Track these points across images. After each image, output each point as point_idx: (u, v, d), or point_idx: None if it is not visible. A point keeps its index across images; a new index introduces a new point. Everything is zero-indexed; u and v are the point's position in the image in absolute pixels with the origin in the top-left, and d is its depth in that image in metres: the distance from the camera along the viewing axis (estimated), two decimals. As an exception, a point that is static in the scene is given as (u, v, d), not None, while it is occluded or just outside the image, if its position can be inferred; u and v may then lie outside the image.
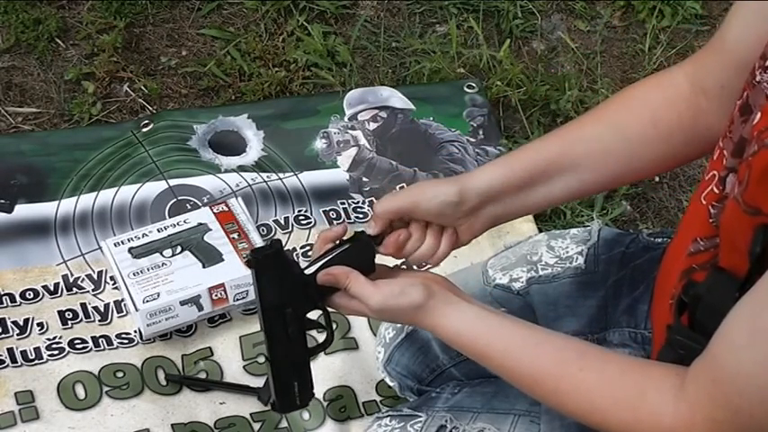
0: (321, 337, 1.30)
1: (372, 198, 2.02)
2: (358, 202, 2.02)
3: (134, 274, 1.82)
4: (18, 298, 1.85)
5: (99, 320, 1.83)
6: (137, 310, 1.77)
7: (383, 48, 2.28)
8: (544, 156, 1.30)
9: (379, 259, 1.27)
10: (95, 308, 1.84)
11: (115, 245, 1.87)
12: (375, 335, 1.76)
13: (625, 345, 1.37)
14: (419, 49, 2.28)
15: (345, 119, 2.14)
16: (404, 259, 1.30)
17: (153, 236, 1.88)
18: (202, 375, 1.78)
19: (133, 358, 1.79)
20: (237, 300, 1.81)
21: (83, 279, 1.88)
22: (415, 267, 1.64)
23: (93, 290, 1.87)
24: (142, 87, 2.19)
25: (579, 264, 1.46)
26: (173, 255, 1.85)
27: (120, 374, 1.77)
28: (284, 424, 1.72)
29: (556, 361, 1.16)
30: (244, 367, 1.79)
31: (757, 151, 1.00)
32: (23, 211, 1.96)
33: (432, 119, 2.16)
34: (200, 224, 1.90)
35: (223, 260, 1.84)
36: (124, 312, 1.83)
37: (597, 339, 1.39)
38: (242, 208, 1.93)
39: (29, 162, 2.03)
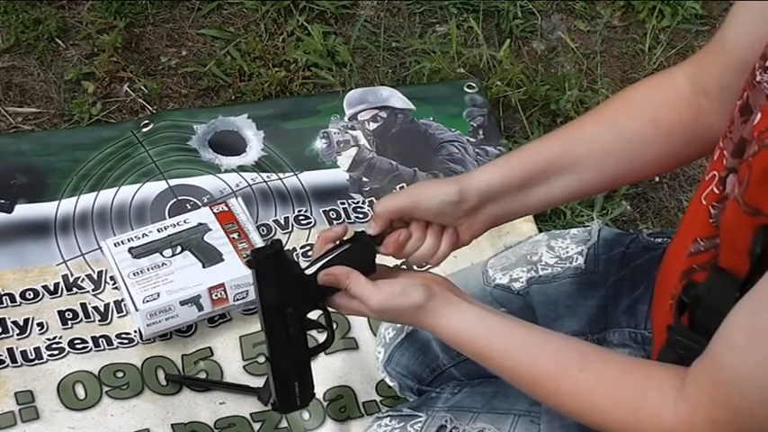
0: (321, 337, 1.30)
1: (372, 198, 2.02)
2: (358, 202, 2.02)
3: (134, 274, 1.82)
4: (18, 298, 1.84)
5: (99, 320, 1.83)
6: (137, 310, 1.77)
7: (383, 48, 2.28)
8: (544, 156, 1.30)
9: (380, 259, 1.27)
10: (95, 308, 1.84)
11: (115, 245, 1.87)
12: (375, 335, 1.76)
13: (625, 345, 1.37)
14: (419, 49, 2.27)
15: (345, 119, 2.14)
16: (404, 259, 1.30)
17: (153, 236, 1.88)
18: (202, 375, 1.78)
19: (133, 358, 1.79)
20: (237, 300, 1.81)
21: (83, 279, 1.88)
22: (415, 267, 1.64)
23: (93, 290, 1.87)
24: (142, 87, 2.18)
25: (579, 264, 1.46)
26: (173, 255, 1.85)
27: (120, 374, 1.76)
28: (284, 424, 1.72)
29: (556, 361, 1.16)
30: (244, 367, 1.79)
31: (757, 152, 1.00)
32: (23, 211, 1.96)
33: (432, 119, 2.16)
34: (200, 224, 1.90)
35: (223, 260, 1.84)
36: (124, 312, 1.83)
37: (597, 339, 1.39)
38: (242, 208, 1.93)
39: (29, 162, 2.03)
